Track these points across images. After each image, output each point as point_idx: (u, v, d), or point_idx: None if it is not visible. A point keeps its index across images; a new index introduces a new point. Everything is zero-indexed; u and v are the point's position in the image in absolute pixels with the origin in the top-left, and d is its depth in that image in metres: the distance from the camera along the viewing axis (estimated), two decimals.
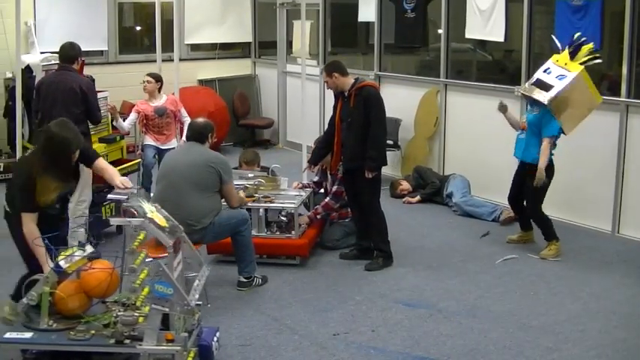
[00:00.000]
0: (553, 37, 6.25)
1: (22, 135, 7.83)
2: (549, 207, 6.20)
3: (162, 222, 4.04)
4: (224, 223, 5.18)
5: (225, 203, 5.34)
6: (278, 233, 6.01)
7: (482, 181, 7.72)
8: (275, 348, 4.50)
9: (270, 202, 6.03)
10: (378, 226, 5.95)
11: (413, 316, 5.01)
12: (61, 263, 3.83)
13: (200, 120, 5.49)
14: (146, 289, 3.68)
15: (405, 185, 8.04)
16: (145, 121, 7.21)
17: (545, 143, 5.88)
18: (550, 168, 6.01)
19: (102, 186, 6.36)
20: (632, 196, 6.53)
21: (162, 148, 7.15)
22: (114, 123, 7.20)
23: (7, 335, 3.76)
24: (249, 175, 6.35)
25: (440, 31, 8.25)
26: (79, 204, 5.92)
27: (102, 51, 10.02)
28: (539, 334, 4.73)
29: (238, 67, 11.43)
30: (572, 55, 5.90)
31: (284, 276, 5.73)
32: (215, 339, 4.03)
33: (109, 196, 4.41)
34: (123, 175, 6.64)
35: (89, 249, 4.01)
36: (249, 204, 5.90)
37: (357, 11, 9.38)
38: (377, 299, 5.31)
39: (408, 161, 8.63)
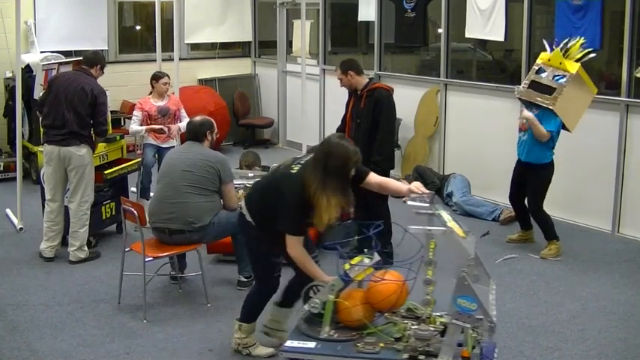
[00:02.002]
0: (544, 41, 6.22)
1: (22, 135, 7.85)
2: (549, 207, 6.19)
3: (460, 232, 3.67)
4: (224, 222, 5.17)
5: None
6: None
7: (482, 181, 7.73)
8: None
9: None
10: (384, 227, 5.90)
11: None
12: (349, 272, 3.68)
13: (196, 118, 5.43)
14: (432, 302, 3.54)
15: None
16: (148, 122, 7.20)
17: (545, 132, 5.81)
18: (550, 166, 6.02)
19: (102, 186, 6.38)
20: (632, 196, 6.53)
21: (163, 147, 7.15)
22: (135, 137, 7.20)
23: (289, 344, 3.58)
24: (250, 175, 6.35)
25: (440, 30, 8.25)
26: (82, 204, 5.95)
27: (102, 50, 10.01)
28: (539, 334, 4.73)
29: (238, 66, 11.43)
30: (565, 53, 5.86)
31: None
32: (494, 355, 3.62)
33: (409, 202, 3.90)
34: (123, 174, 6.72)
35: (376, 257, 3.84)
36: None
37: (357, 11, 9.37)
38: None
39: (408, 161, 8.63)
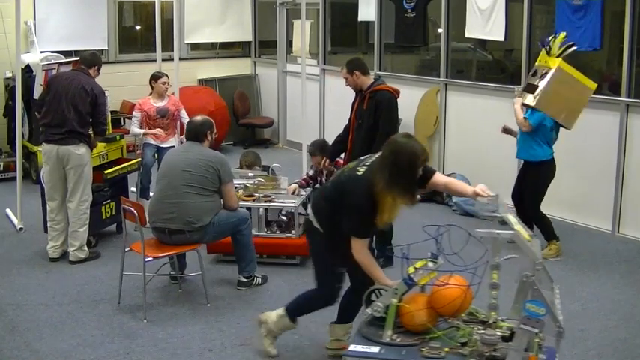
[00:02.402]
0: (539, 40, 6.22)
1: (22, 135, 7.85)
2: (549, 207, 6.20)
3: (525, 235, 3.57)
4: (224, 222, 5.18)
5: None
6: (278, 233, 6.02)
7: (482, 181, 7.55)
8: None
9: (270, 201, 6.03)
10: (386, 227, 5.90)
11: None
12: (413, 276, 3.64)
13: (197, 118, 5.43)
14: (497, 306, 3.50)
15: None
16: (147, 121, 7.20)
17: (522, 120, 5.84)
18: (551, 166, 6.02)
19: (102, 185, 6.39)
20: (632, 196, 6.53)
21: (162, 147, 7.15)
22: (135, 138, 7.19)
23: (352, 348, 3.50)
24: (249, 175, 6.35)
25: (440, 30, 8.25)
26: (81, 204, 5.95)
27: (102, 50, 10.01)
28: None
29: (238, 66, 11.43)
30: (548, 51, 5.86)
31: (284, 276, 5.73)
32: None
33: (478, 205, 3.86)
34: (123, 173, 6.72)
35: (440, 261, 3.77)
36: (249, 203, 5.90)
37: (357, 11, 9.38)
38: None
39: None
